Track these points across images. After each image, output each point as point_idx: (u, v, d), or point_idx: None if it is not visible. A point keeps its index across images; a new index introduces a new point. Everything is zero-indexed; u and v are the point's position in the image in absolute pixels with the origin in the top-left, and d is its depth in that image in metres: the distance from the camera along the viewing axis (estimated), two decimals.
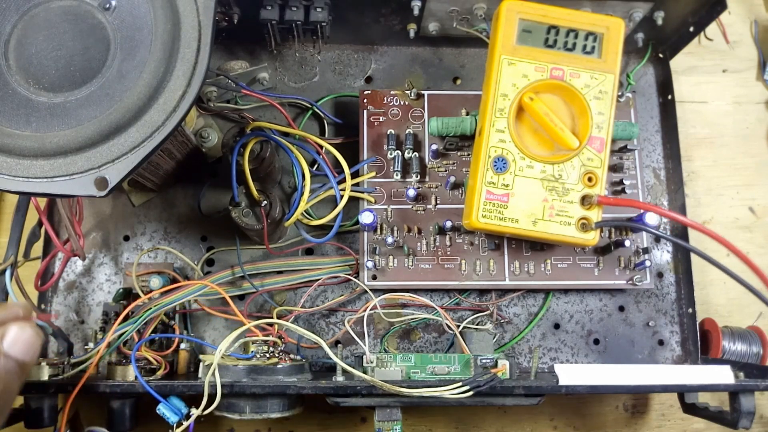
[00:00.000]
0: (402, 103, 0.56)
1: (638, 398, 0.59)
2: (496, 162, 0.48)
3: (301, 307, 0.54)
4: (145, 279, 0.51)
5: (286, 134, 0.55)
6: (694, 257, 0.57)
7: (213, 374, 0.42)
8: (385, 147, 0.55)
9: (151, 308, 0.48)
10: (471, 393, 0.43)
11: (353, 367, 0.44)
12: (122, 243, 0.56)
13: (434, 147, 0.54)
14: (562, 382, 0.45)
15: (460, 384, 0.43)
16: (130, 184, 0.55)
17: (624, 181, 0.55)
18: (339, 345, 0.50)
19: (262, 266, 0.54)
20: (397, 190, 0.55)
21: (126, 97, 0.39)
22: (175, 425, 0.42)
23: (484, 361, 0.48)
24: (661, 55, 0.62)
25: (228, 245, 0.56)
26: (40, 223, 0.51)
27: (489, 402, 0.45)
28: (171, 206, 0.57)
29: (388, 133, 0.55)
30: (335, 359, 0.45)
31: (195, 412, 0.42)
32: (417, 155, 0.55)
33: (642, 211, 0.53)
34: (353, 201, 0.55)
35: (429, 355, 0.48)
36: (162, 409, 0.42)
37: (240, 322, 0.53)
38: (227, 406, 0.44)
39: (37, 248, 0.53)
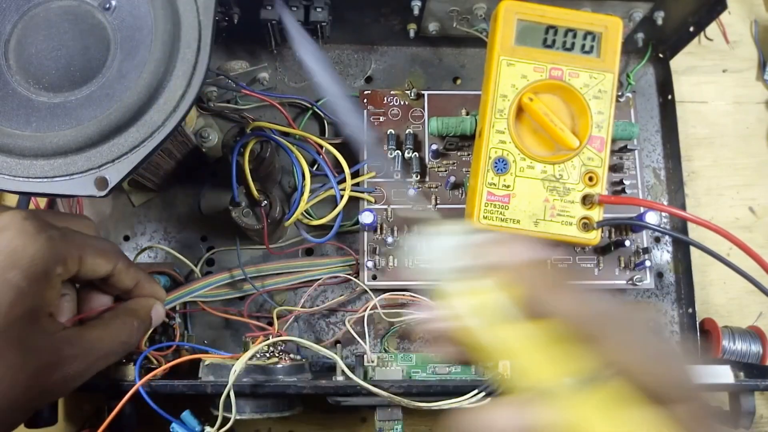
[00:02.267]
0: (402, 103, 0.56)
1: None
2: (496, 163, 0.48)
3: (301, 307, 0.54)
4: None
5: (286, 134, 0.55)
6: (694, 257, 0.57)
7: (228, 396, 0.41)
8: (385, 147, 0.55)
9: None
10: (488, 399, 0.43)
11: (354, 367, 0.44)
12: (122, 243, 0.56)
13: (434, 147, 0.54)
14: None
15: (476, 392, 0.43)
16: (130, 184, 0.55)
17: (624, 181, 0.55)
18: (339, 345, 0.50)
19: (263, 269, 0.54)
20: (397, 190, 0.55)
21: (126, 97, 0.39)
22: None
23: None
24: (661, 55, 0.62)
25: (228, 245, 0.56)
26: None
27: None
28: (171, 206, 0.57)
29: (388, 133, 0.55)
30: (337, 361, 0.45)
31: (209, 430, 0.41)
32: (417, 155, 0.55)
33: (643, 210, 0.53)
34: (353, 201, 0.55)
35: (430, 354, 0.48)
36: (175, 427, 0.42)
37: (240, 322, 0.53)
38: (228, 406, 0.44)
39: None
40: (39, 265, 0.35)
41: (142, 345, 0.46)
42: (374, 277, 0.53)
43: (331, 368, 0.52)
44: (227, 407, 0.41)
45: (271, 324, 0.52)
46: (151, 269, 0.50)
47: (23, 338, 0.35)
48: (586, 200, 0.48)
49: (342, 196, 0.54)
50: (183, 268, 0.55)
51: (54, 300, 0.38)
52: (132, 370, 0.44)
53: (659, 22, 0.55)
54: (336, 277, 0.54)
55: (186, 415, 0.41)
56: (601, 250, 0.54)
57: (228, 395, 0.41)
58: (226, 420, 0.41)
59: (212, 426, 0.41)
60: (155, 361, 0.47)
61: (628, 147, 0.56)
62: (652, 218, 0.51)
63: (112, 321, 0.41)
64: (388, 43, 0.61)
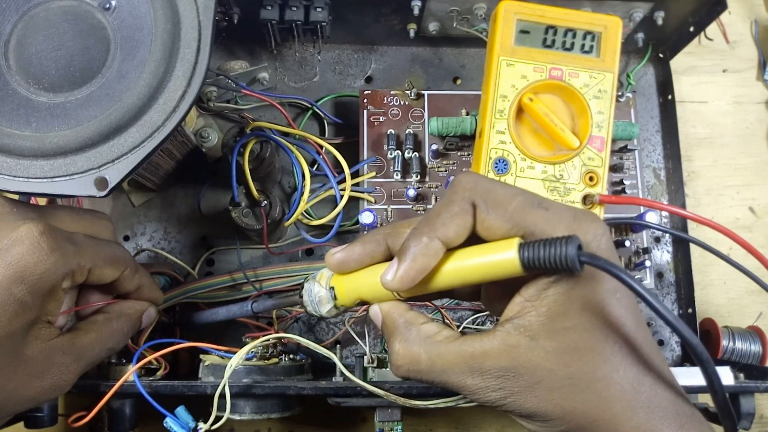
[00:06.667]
0: (402, 103, 0.56)
1: None
2: (497, 164, 0.48)
3: (301, 308, 0.54)
4: None
5: (286, 134, 0.55)
6: (694, 257, 0.57)
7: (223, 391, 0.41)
8: (385, 147, 0.55)
9: None
10: None
11: (353, 368, 0.44)
12: (122, 243, 0.56)
13: (434, 147, 0.54)
14: None
15: None
16: (130, 184, 0.55)
17: (624, 182, 0.55)
18: (338, 345, 0.50)
19: (262, 273, 0.53)
20: (397, 190, 0.55)
21: (126, 97, 0.39)
22: None
23: None
24: (661, 55, 0.62)
25: (228, 245, 0.56)
26: None
27: None
28: (171, 206, 0.57)
29: (388, 133, 0.55)
30: (336, 362, 0.45)
31: (203, 426, 0.41)
32: (417, 155, 0.55)
33: (643, 210, 0.53)
34: (353, 201, 0.55)
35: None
36: (169, 422, 0.42)
37: (239, 322, 0.53)
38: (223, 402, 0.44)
39: None
40: (47, 282, 0.35)
41: (141, 343, 0.46)
42: None
43: (331, 369, 0.52)
44: (223, 403, 0.41)
45: (270, 325, 0.52)
46: (151, 269, 0.50)
47: (18, 348, 0.35)
48: (587, 200, 0.48)
49: (342, 196, 0.54)
50: (182, 269, 0.55)
51: (55, 310, 0.38)
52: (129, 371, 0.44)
53: (659, 22, 0.55)
54: None
55: (180, 410, 0.41)
56: None
57: (223, 390, 0.41)
58: (219, 416, 0.41)
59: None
60: (155, 363, 0.47)
61: (628, 147, 0.56)
62: (652, 218, 0.51)
63: (104, 325, 0.41)
64: (388, 43, 0.61)
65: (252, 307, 0.46)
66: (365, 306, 0.50)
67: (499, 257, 0.30)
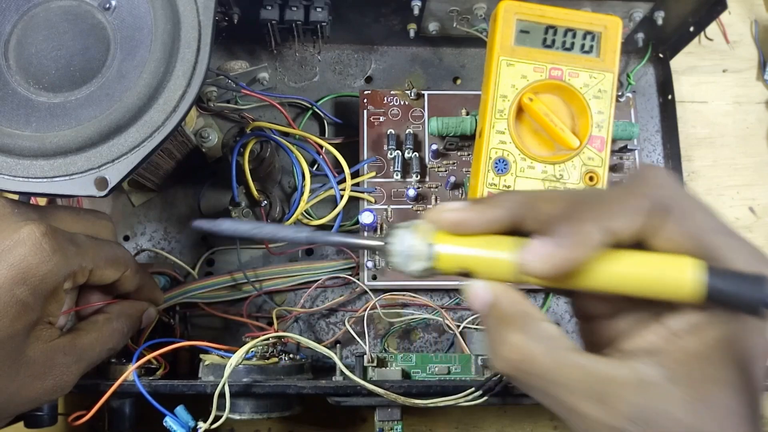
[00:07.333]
0: (402, 103, 0.56)
1: None
2: (497, 163, 0.48)
3: (301, 308, 0.54)
4: None
5: (286, 134, 0.55)
6: None
7: (223, 388, 0.41)
8: (385, 147, 0.55)
9: None
10: (485, 398, 0.42)
11: (353, 368, 0.44)
12: (122, 243, 0.56)
13: (434, 147, 0.54)
14: None
15: (473, 390, 0.42)
16: (130, 184, 0.55)
17: (624, 182, 0.55)
18: (339, 345, 0.50)
19: (262, 273, 0.53)
20: (397, 190, 0.55)
21: (126, 97, 0.39)
22: None
23: (484, 360, 0.48)
24: (661, 55, 0.62)
25: (228, 245, 0.56)
26: None
27: (490, 402, 0.45)
28: (171, 206, 0.57)
29: (388, 133, 0.55)
30: (336, 361, 0.45)
31: (202, 426, 0.41)
32: (417, 155, 0.55)
33: None
34: (353, 201, 0.55)
35: (429, 354, 0.48)
36: (169, 421, 0.42)
37: (238, 322, 0.53)
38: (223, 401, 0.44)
39: None
40: (49, 283, 0.36)
41: (141, 342, 0.46)
42: (374, 277, 0.53)
43: (331, 368, 0.52)
44: (222, 403, 0.41)
45: (270, 324, 0.52)
46: (151, 269, 0.50)
47: (20, 350, 0.35)
48: None
49: (342, 196, 0.54)
50: (182, 269, 0.55)
51: (57, 311, 0.38)
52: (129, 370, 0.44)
53: (659, 22, 0.55)
54: (336, 278, 0.54)
55: (180, 409, 0.42)
56: None
57: (223, 389, 0.41)
58: (219, 415, 0.41)
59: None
60: (155, 362, 0.47)
61: (628, 147, 0.56)
62: None
63: (104, 326, 0.41)
64: (388, 43, 0.61)
65: (307, 235, 0.39)
66: (365, 305, 0.51)
67: (680, 276, 0.26)
